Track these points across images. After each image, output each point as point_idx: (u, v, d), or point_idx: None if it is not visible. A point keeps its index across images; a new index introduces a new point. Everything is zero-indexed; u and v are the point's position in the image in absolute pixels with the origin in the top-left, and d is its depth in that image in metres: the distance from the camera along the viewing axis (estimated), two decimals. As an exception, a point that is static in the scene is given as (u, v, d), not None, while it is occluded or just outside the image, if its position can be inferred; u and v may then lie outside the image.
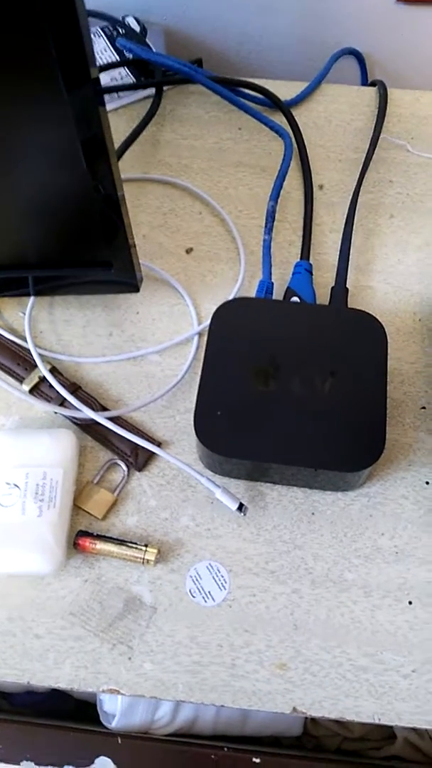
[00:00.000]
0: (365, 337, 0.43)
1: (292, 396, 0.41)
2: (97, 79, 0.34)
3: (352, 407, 0.41)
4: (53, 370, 0.46)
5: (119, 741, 0.39)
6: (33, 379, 0.46)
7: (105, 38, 0.65)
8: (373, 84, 0.64)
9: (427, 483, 0.43)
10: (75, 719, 0.46)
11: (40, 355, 0.47)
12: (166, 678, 0.38)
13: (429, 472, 0.44)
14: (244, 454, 0.40)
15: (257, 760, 0.38)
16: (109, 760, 0.39)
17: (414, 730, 0.47)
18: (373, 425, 0.40)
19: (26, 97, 0.34)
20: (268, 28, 0.68)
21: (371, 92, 0.62)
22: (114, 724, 0.43)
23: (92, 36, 0.65)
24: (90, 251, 0.44)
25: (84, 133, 0.36)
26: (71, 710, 0.49)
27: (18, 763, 0.39)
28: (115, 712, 0.43)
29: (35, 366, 0.46)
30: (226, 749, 0.38)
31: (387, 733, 0.48)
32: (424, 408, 0.46)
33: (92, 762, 0.39)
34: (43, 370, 0.45)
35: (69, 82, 0.33)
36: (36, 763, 0.39)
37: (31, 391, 0.46)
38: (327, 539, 0.42)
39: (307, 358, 0.42)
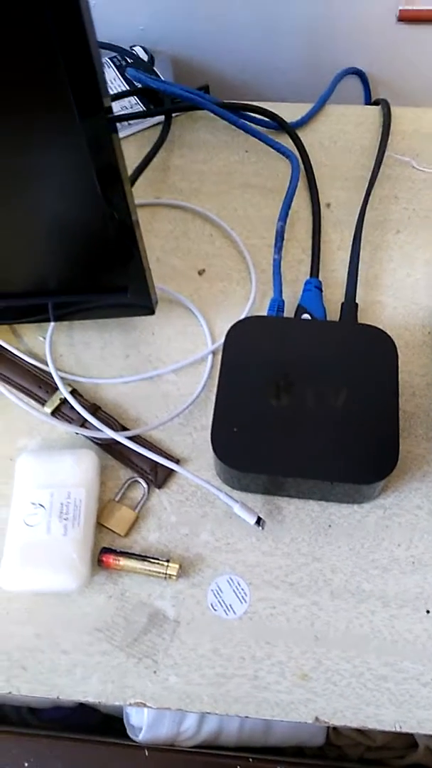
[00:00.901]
0: (376, 351, 0.44)
1: (306, 411, 0.42)
2: (110, 108, 0.36)
3: (366, 420, 0.42)
4: (74, 392, 0.48)
5: (146, 753, 0.40)
6: (54, 401, 0.48)
7: (114, 68, 0.67)
8: (376, 103, 0.65)
9: (442, 493, 0.44)
10: (101, 733, 0.47)
11: (60, 377, 0.48)
12: (191, 690, 0.39)
13: (443, 483, 0.45)
14: (260, 468, 0.41)
15: (282, 770, 0.39)
16: (137, 773, 0.40)
17: (436, 738, 0.47)
18: (387, 437, 0.41)
19: (42, 127, 0.35)
20: (271, 51, 0.70)
21: (375, 111, 0.64)
22: (141, 737, 0.44)
23: (102, 66, 0.67)
24: (106, 276, 0.46)
25: (98, 161, 0.37)
26: (98, 724, 0.50)
27: (48, 777, 0.40)
28: (142, 725, 0.44)
29: (56, 389, 0.48)
30: (250, 759, 0.39)
31: (409, 742, 0.48)
32: (436, 419, 0.47)
33: (121, 774, 0.40)
34: (64, 392, 0.47)
35: (82, 111, 0.34)
36: (66, 777, 0.40)
37: (53, 413, 0.48)
38: (344, 551, 0.43)
39: (320, 374, 0.43)
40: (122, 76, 0.67)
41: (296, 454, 0.41)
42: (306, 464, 0.41)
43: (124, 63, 0.67)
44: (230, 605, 0.41)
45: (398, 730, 0.38)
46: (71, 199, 0.40)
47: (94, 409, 0.47)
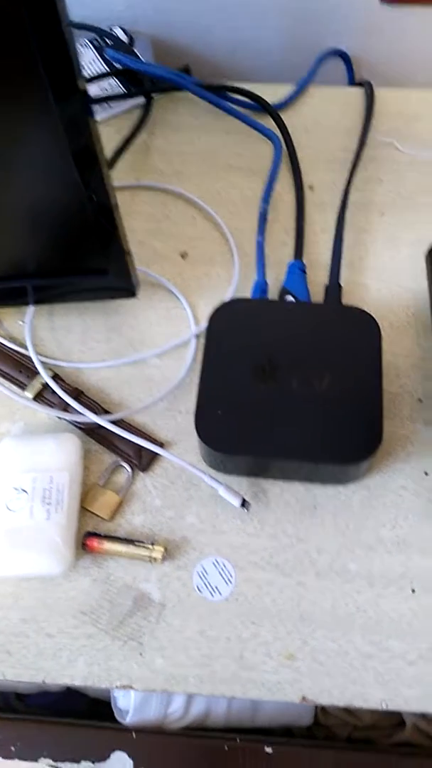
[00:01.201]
0: (360, 332, 0.44)
1: (290, 392, 0.42)
2: (86, 91, 0.35)
3: (350, 401, 0.42)
4: (55, 377, 0.47)
5: (134, 736, 0.40)
6: (36, 386, 0.47)
7: (93, 50, 0.66)
8: (360, 84, 0.65)
9: (426, 473, 0.44)
10: (90, 717, 0.47)
11: (41, 362, 0.48)
12: (177, 672, 0.39)
13: (427, 463, 0.45)
14: (245, 450, 0.41)
15: (269, 750, 0.39)
16: (124, 755, 0.40)
17: (422, 715, 0.48)
18: (370, 418, 0.41)
19: (17, 112, 0.35)
20: (253, 32, 0.70)
21: (358, 92, 0.63)
22: (128, 720, 0.44)
23: (80, 48, 0.66)
24: (86, 259, 0.45)
25: (75, 145, 0.37)
26: (85, 709, 0.50)
27: (36, 761, 0.40)
28: (129, 708, 0.44)
29: (37, 373, 0.47)
30: (238, 740, 0.39)
31: (396, 721, 0.49)
32: (420, 400, 0.47)
33: (108, 757, 0.40)
34: (45, 376, 0.46)
35: (58, 94, 0.33)
36: (53, 760, 0.40)
37: (35, 398, 0.47)
38: (330, 532, 0.43)
39: (304, 355, 0.43)
40: (101, 58, 0.65)
41: (280, 436, 0.41)
42: (290, 445, 0.41)
43: (103, 44, 0.66)
44: (216, 587, 0.41)
45: (384, 708, 0.38)
46: (49, 183, 0.39)
47: (77, 394, 0.47)
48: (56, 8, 0.30)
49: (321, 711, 0.49)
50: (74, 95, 0.34)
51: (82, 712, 0.50)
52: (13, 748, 0.39)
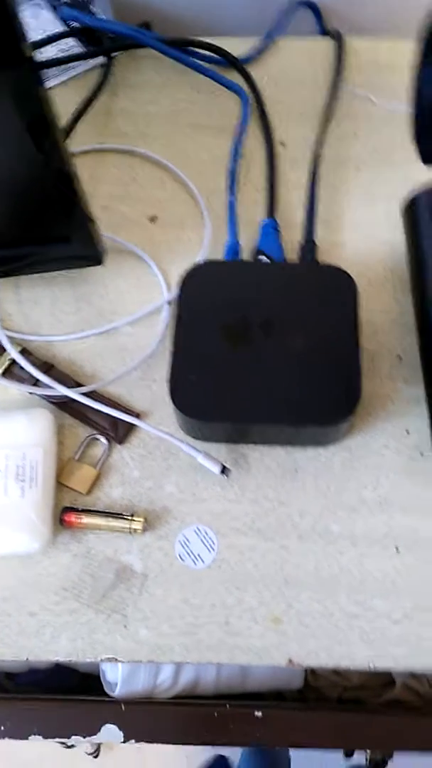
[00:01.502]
0: (335, 290, 0.43)
1: (266, 355, 0.41)
2: (32, 57, 0.33)
3: (327, 361, 0.41)
4: (24, 351, 0.46)
5: (123, 707, 0.40)
6: (4, 362, 0.46)
7: (49, 8, 0.63)
8: (330, 34, 0.62)
9: (408, 432, 0.44)
10: (80, 692, 0.47)
11: (9, 337, 0.46)
12: (162, 642, 0.39)
13: (408, 421, 0.44)
14: (222, 417, 0.40)
15: (259, 714, 0.39)
16: (114, 727, 0.39)
17: (411, 674, 0.48)
18: (349, 377, 0.40)
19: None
20: (217, -17, 0.67)
21: (328, 43, 0.61)
22: (117, 692, 0.44)
23: (36, 8, 0.63)
24: (48, 227, 0.44)
25: (26, 113, 0.35)
26: (75, 685, 0.50)
27: (26, 738, 0.40)
28: (117, 680, 0.44)
29: (5, 349, 0.46)
30: (228, 706, 0.39)
31: (386, 680, 0.49)
32: (400, 357, 0.46)
33: (98, 730, 0.39)
34: (12, 352, 0.45)
35: (2, 64, 0.32)
36: (43, 737, 0.39)
37: (4, 374, 0.46)
38: (311, 494, 0.42)
39: (279, 316, 0.42)
40: (58, 17, 0.62)
41: (258, 400, 0.40)
42: (268, 409, 0.40)
43: (58, 2, 0.63)
44: (198, 555, 0.41)
45: (371, 667, 0.38)
46: (3, 152, 0.38)
47: (47, 368, 0.45)
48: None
49: (311, 674, 0.49)
50: (20, 62, 0.33)
51: (73, 687, 0.50)
52: (2, 728, 0.39)
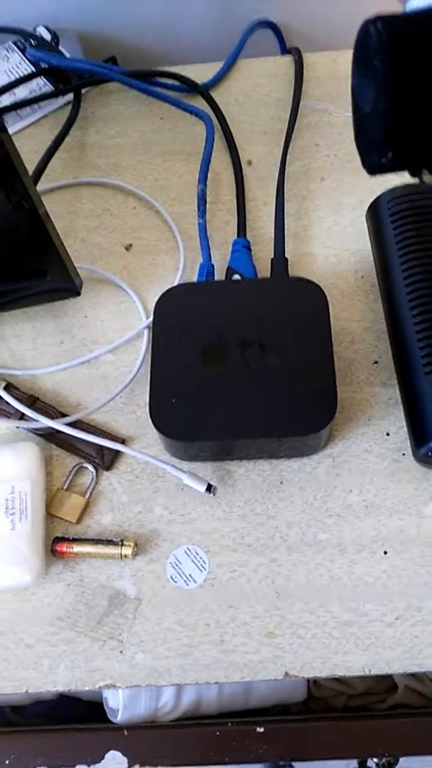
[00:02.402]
0: (307, 303, 0.44)
1: (243, 371, 0.41)
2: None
3: (303, 372, 0.41)
4: (8, 387, 0.47)
5: (125, 733, 0.40)
6: (-10, 398, 0.47)
7: (19, 52, 0.65)
8: (289, 52, 0.64)
9: (388, 434, 0.44)
10: (86, 721, 0.47)
11: (-7, 373, 0.47)
12: (159, 664, 0.39)
13: (388, 424, 0.44)
14: (204, 435, 0.41)
15: (261, 730, 0.39)
16: (118, 753, 0.39)
17: (413, 676, 0.48)
18: (325, 385, 0.41)
19: None
20: (179, 14, 0.68)
21: (288, 61, 0.62)
22: (119, 718, 0.44)
23: (6, 51, 0.65)
24: (23, 264, 0.45)
25: None
26: (81, 714, 0.50)
27: (32, 771, 0.40)
28: (119, 706, 0.44)
29: (-10, 385, 0.47)
30: (229, 724, 0.39)
31: (388, 684, 0.49)
32: (376, 362, 0.46)
33: (102, 758, 0.40)
34: (-4, 387, 0.46)
35: None
36: (49, 767, 0.40)
37: (-9, 410, 0.47)
38: (298, 505, 0.43)
39: (254, 332, 0.42)
40: (27, 59, 0.64)
41: (237, 416, 0.40)
42: (248, 424, 0.40)
43: (27, 45, 0.65)
44: (190, 575, 0.41)
45: (367, 673, 0.38)
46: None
47: (32, 401, 0.46)
48: None
49: (313, 684, 0.49)
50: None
51: (79, 716, 0.50)
52: (7, 761, 0.39)
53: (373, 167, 0.30)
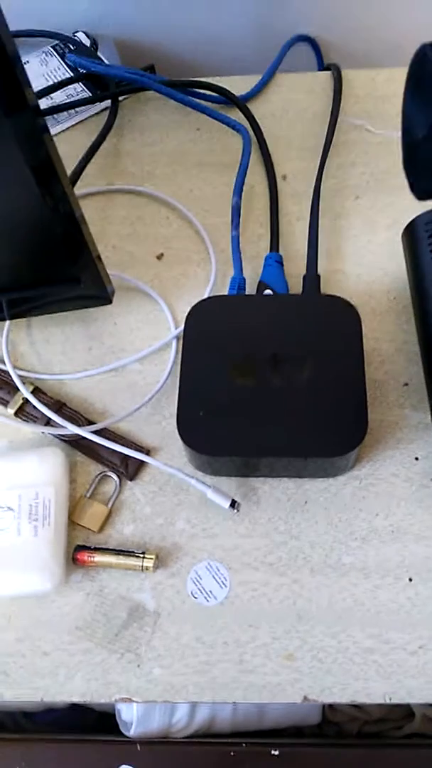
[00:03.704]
0: (339, 321, 0.43)
1: (272, 388, 0.41)
2: (37, 105, 0.35)
3: (333, 392, 0.41)
4: (36, 391, 0.47)
5: (138, 748, 0.39)
6: (17, 401, 0.47)
7: (57, 56, 0.66)
8: (328, 68, 0.63)
9: (417, 458, 0.43)
10: (97, 731, 0.47)
11: (21, 376, 0.47)
12: (176, 681, 0.39)
13: (417, 448, 0.44)
14: (229, 451, 0.41)
15: (276, 753, 0.38)
16: (130, 767, 0.39)
17: (431, 705, 0.47)
18: (355, 407, 0.40)
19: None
20: (218, 25, 0.69)
21: (326, 76, 0.62)
22: (132, 732, 0.43)
23: (44, 55, 0.65)
24: (57, 269, 0.45)
25: (31, 159, 0.36)
26: (93, 723, 0.49)
27: (42, 780, 0.40)
28: (132, 719, 0.44)
29: (18, 389, 0.47)
30: (244, 744, 0.39)
31: (405, 712, 0.48)
32: (406, 384, 0.46)
33: (114, 771, 0.39)
34: (24, 391, 0.46)
35: (6, 111, 0.33)
36: (60, 778, 0.39)
37: (17, 414, 0.46)
38: (322, 526, 0.42)
39: (284, 349, 0.42)
40: (66, 64, 0.65)
41: (265, 433, 0.40)
42: (275, 442, 0.40)
43: (66, 50, 0.66)
44: (210, 591, 0.41)
45: (388, 702, 0.37)
46: (10, 198, 0.39)
47: (59, 406, 0.46)
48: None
49: (329, 708, 0.49)
50: (24, 110, 0.34)
51: (89, 726, 0.49)
52: (18, 769, 0.39)
53: (423, 193, 0.30)
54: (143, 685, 0.39)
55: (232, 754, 0.38)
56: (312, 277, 0.49)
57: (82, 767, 0.39)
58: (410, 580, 0.40)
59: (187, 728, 0.44)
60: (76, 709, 0.49)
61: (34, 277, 0.45)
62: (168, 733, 0.44)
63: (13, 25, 0.32)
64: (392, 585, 0.40)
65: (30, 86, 0.33)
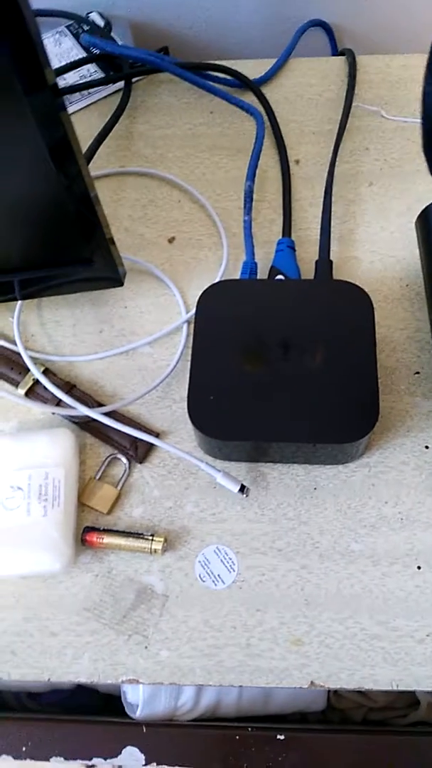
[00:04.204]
0: (351, 307, 0.43)
1: (283, 373, 0.41)
2: (55, 83, 0.34)
3: (344, 378, 0.40)
4: (47, 372, 0.47)
5: (144, 730, 0.39)
6: (28, 382, 0.47)
7: (72, 36, 0.65)
8: (341, 53, 0.63)
9: (427, 447, 0.43)
10: (101, 713, 0.47)
11: (32, 357, 0.47)
12: (183, 663, 0.39)
13: (427, 437, 0.44)
14: (240, 435, 0.40)
15: (281, 737, 0.38)
16: (136, 749, 0.39)
17: (437, 693, 0.47)
18: (366, 394, 0.40)
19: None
20: (232, 8, 0.68)
21: (341, 62, 0.61)
22: (138, 714, 0.43)
23: (58, 35, 0.65)
24: (70, 250, 0.44)
25: (49, 138, 0.36)
26: (97, 704, 0.50)
27: (47, 760, 0.40)
28: (138, 702, 0.44)
29: (29, 369, 0.47)
30: (250, 729, 0.39)
31: (411, 700, 0.48)
32: (417, 373, 0.46)
33: (120, 753, 0.39)
34: (35, 372, 0.46)
35: (26, 89, 0.33)
36: (65, 758, 0.39)
37: (27, 394, 0.46)
38: (331, 512, 0.42)
39: (296, 334, 0.42)
40: (80, 45, 0.64)
41: (275, 418, 0.40)
42: (286, 427, 0.40)
43: (80, 31, 0.65)
44: (218, 575, 0.41)
45: (395, 689, 0.37)
46: (26, 177, 0.39)
47: (69, 388, 0.46)
48: (18, 2, 0.29)
49: (334, 695, 0.49)
50: (43, 88, 0.33)
51: (94, 707, 0.50)
52: (24, 748, 0.39)
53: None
54: (150, 666, 0.39)
55: (237, 738, 0.38)
56: (324, 263, 0.49)
57: (87, 748, 0.39)
58: (419, 568, 0.40)
59: (192, 711, 0.44)
60: (81, 690, 0.49)
61: (46, 257, 0.45)
62: (173, 716, 0.44)
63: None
64: (401, 573, 0.40)
65: (50, 66, 0.33)
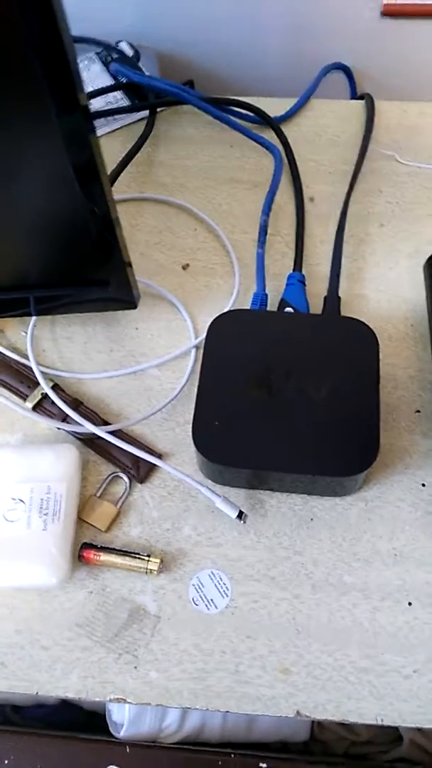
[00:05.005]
0: (357, 343, 0.44)
1: (287, 404, 0.42)
2: (87, 106, 0.36)
3: (347, 413, 0.41)
4: (55, 387, 0.48)
5: (128, 750, 0.40)
6: (36, 396, 0.47)
7: (100, 63, 0.67)
8: (361, 97, 0.65)
9: (424, 485, 0.44)
10: (85, 730, 0.47)
11: (42, 372, 0.48)
12: (172, 686, 0.39)
13: (425, 475, 0.44)
14: (241, 462, 0.41)
15: (264, 765, 0.38)
16: (118, 769, 0.39)
17: (419, 730, 0.47)
18: (368, 430, 0.41)
19: (19, 126, 0.35)
20: (256, 46, 0.70)
21: (359, 105, 0.64)
22: (122, 734, 0.43)
23: (87, 61, 0.67)
24: (88, 271, 0.46)
25: (76, 158, 0.37)
26: (81, 721, 0.50)
27: (29, 774, 0.40)
28: (123, 721, 0.44)
29: (38, 383, 0.48)
30: (233, 755, 0.39)
31: (393, 736, 0.48)
32: (418, 411, 0.47)
33: (102, 771, 0.39)
34: (45, 387, 0.47)
35: (59, 110, 0.34)
36: (47, 773, 0.40)
37: (35, 408, 0.47)
38: (326, 544, 0.43)
39: (301, 367, 0.43)
40: (108, 72, 0.66)
41: (277, 448, 0.41)
42: (287, 458, 0.41)
43: (109, 58, 0.67)
44: (212, 600, 0.41)
45: (379, 723, 0.38)
46: (51, 196, 0.40)
47: (76, 404, 0.47)
48: (57, 25, 0.31)
49: (317, 726, 0.49)
50: (75, 110, 0.35)
51: (78, 724, 0.49)
52: (6, 762, 0.39)
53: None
54: (139, 686, 0.39)
55: (219, 763, 0.38)
56: (333, 299, 0.50)
57: (70, 764, 0.39)
58: (410, 604, 0.41)
59: (176, 734, 0.44)
60: (65, 706, 0.49)
61: (64, 276, 0.46)
62: (157, 738, 0.44)
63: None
64: (391, 608, 0.41)
65: (83, 90, 0.34)
